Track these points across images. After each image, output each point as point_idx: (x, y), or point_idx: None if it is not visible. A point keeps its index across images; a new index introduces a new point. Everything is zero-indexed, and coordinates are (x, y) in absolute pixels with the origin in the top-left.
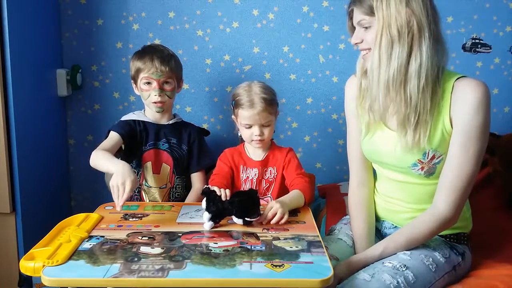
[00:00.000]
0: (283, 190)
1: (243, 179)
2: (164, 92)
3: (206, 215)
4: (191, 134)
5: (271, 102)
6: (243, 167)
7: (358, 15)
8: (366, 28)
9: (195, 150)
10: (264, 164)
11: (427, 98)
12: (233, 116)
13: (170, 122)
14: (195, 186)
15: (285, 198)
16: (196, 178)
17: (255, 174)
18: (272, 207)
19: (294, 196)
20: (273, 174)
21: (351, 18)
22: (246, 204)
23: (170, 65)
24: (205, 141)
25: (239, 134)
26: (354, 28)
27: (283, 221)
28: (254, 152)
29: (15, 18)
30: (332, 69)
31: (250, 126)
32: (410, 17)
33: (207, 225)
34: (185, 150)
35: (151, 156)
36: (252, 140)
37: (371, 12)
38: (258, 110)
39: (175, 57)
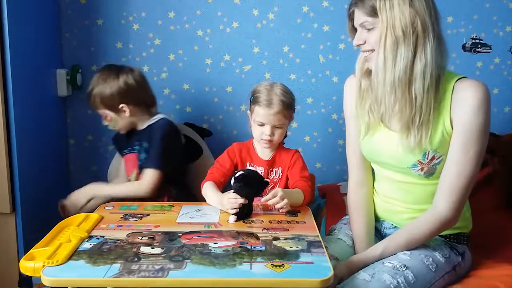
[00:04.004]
0: None
1: None
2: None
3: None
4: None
5: (288, 106)
6: (249, 164)
7: (361, 16)
8: (369, 29)
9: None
10: (270, 164)
11: (431, 98)
12: (248, 111)
13: (145, 126)
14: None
15: (285, 190)
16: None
17: (261, 172)
18: (278, 193)
19: (294, 191)
20: (278, 175)
21: (351, 19)
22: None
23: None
24: (163, 135)
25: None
26: (355, 29)
27: (282, 204)
28: (262, 151)
29: (15, 18)
30: (332, 69)
31: (262, 125)
32: (414, 18)
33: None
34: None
35: (127, 160)
36: (261, 139)
37: (373, 13)
38: (274, 111)
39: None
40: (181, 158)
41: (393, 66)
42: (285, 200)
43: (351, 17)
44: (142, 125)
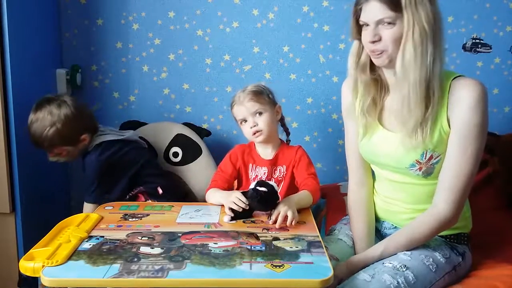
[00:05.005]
0: (292, 188)
1: (252, 177)
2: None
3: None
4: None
5: (259, 92)
6: (252, 165)
7: (381, 11)
8: (388, 25)
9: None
10: (273, 163)
11: (437, 97)
12: (237, 123)
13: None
14: None
15: (292, 197)
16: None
17: (264, 173)
18: (280, 211)
19: (303, 196)
20: (282, 173)
21: (357, 16)
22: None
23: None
24: (92, 171)
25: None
26: (358, 26)
27: (294, 222)
28: (264, 150)
29: (15, 18)
30: (332, 69)
31: (245, 121)
32: (436, 15)
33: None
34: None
35: None
36: (252, 135)
37: (397, 8)
38: (246, 100)
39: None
40: (147, 162)
41: (421, 63)
42: (290, 215)
43: (357, 14)
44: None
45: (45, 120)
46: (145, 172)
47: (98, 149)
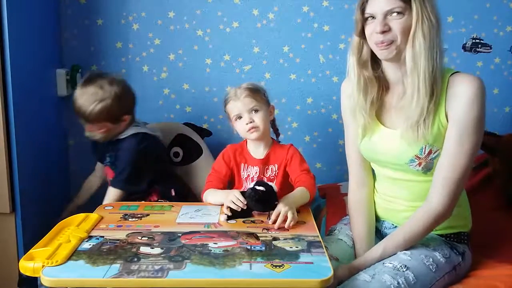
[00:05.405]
0: (285, 187)
1: (244, 177)
2: None
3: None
4: (120, 149)
5: (255, 90)
6: (244, 165)
7: (390, 1)
8: (397, 14)
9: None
10: (265, 162)
11: (438, 91)
12: (229, 121)
13: (119, 137)
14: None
15: (290, 196)
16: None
17: (256, 172)
18: (280, 211)
19: (299, 193)
20: (274, 172)
21: (363, 8)
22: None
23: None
24: (128, 158)
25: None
26: (363, 18)
27: (292, 223)
28: (256, 150)
29: (15, 18)
30: (332, 69)
31: (240, 117)
32: (438, 10)
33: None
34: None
35: (107, 171)
36: (247, 132)
37: None
38: (242, 97)
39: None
40: (166, 162)
41: (430, 54)
42: (290, 216)
43: (363, 6)
44: (116, 136)
45: (96, 94)
46: (165, 172)
47: (136, 138)
